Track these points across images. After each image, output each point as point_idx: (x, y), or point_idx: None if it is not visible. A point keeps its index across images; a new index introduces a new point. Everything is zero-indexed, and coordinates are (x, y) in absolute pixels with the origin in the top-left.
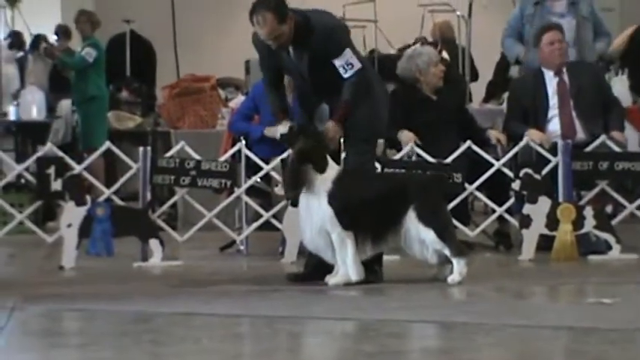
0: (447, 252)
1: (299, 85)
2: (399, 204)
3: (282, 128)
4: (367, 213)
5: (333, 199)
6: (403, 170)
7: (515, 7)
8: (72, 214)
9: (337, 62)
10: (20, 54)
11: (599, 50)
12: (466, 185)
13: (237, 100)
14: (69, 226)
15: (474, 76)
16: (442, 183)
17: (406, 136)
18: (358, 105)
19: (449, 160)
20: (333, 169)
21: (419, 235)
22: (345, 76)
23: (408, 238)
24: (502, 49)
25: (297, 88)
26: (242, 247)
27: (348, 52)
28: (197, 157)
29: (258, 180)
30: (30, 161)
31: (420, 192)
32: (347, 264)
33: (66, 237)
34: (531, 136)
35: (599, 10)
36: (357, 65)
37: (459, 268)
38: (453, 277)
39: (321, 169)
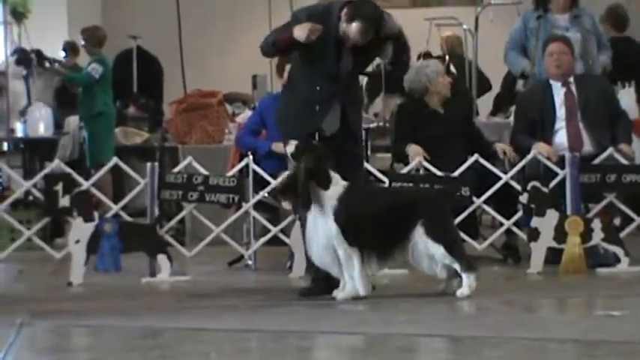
0: (456, 266)
1: (324, 88)
2: (407, 219)
3: (290, 148)
4: (373, 229)
5: (339, 216)
6: (411, 184)
7: (516, 21)
8: (80, 230)
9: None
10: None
11: (602, 63)
12: (474, 198)
13: (245, 115)
14: (77, 242)
15: (488, 86)
16: (449, 197)
17: (414, 150)
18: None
19: (456, 173)
20: (338, 185)
21: (428, 251)
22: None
23: (416, 253)
24: (505, 63)
25: (317, 92)
26: (250, 262)
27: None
28: (205, 172)
29: (266, 195)
30: (38, 178)
31: (427, 207)
32: (354, 279)
33: (74, 253)
34: (539, 149)
35: (598, 24)
36: None
37: (468, 282)
38: (462, 291)
39: (325, 185)
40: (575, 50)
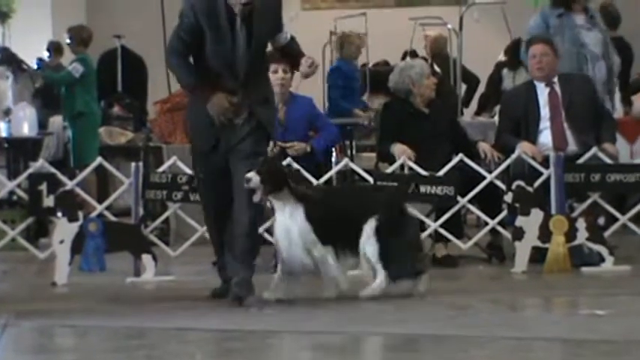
0: (378, 267)
1: (224, 88)
2: (364, 215)
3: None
4: (340, 226)
5: (311, 215)
6: (395, 183)
7: (534, 19)
8: (64, 230)
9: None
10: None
11: (616, 62)
12: (458, 198)
13: None
14: (61, 242)
15: (475, 82)
16: (403, 195)
17: (399, 149)
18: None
19: (441, 173)
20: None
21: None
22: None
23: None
24: (524, 60)
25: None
26: None
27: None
28: (189, 171)
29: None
30: (22, 177)
31: (382, 204)
32: (334, 276)
33: (58, 253)
34: (523, 149)
35: None
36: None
37: (378, 282)
38: (366, 291)
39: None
40: (589, 52)
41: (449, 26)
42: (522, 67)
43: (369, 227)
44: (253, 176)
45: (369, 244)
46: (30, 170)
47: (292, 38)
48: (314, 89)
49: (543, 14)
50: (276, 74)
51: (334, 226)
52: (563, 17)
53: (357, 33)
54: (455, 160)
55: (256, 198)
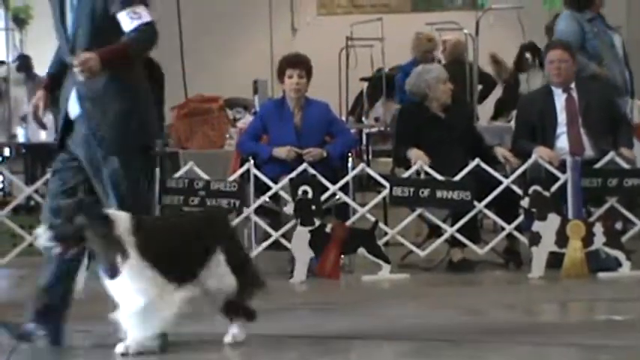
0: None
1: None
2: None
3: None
4: (178, 255)
5: (145, 250)
6: (411, 189)
7: (567, 24)
8: None
9: (123, 13)
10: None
11: None
12: (475, 203)
13: (246, 119)
14: None
15: (492, 84)
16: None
17: (415, 154)
18: (116, 95)
19: (457, 177)
20: (122, 218)
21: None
22: (130, 27)
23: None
24: None
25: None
26: None
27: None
28: (206, 177)
29: (267, 199)
30: (40, 183)
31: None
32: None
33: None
34: (540, 154)
35: None
36: (147, 18)
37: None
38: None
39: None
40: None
41: (465, 31)
42: (538, 70)
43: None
44: (43, 233)
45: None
46: (47, 176)
47: (148, 24)
48: (329, 94)
49: (576, 19)
50: (290, 79)
51: (170, 257)
52: (594, 21)
53: (428, 35)
54: (471, 164)
55: (56, 252)
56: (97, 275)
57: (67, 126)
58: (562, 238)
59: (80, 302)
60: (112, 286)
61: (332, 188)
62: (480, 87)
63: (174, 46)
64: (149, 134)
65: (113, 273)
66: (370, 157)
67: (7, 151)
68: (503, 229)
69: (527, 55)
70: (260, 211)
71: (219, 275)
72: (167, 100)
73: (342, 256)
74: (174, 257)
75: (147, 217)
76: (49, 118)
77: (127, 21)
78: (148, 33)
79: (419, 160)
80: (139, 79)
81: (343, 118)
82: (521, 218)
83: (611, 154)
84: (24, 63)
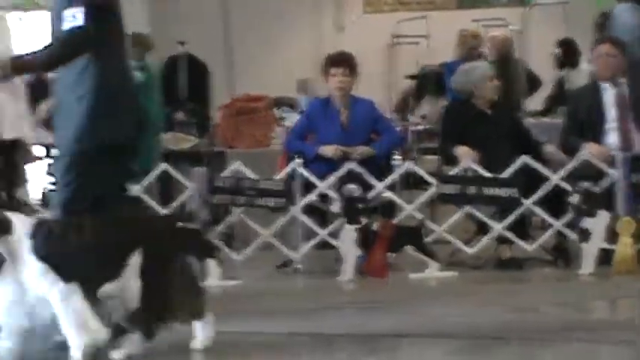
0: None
1: None
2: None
3: None
4: (90, 259)
5: (41, 250)
6: (459, 186)
7: (630, 15)
8: None
9: (67, 12)
10: None
11: None
12: (523, 200)
13: (292, 118)
14: None
15: (538, 84)
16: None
17: (462, 151)
18: (66, 90)
19: (505, 174)
20: (21, 221)
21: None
22: (65, 28)
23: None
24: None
25: None
26: (299, 266)
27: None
28: (253, 176)
29: (314, 198)
30: None
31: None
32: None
33: None
34: (589, 149)
35: None
36: (80, 21)
37: (131, 345)
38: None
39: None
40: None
41: (512, 27)
42: (580, 66)
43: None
44: None
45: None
46: None
47: (80, 28)
48: (375, 92)
49: (636, 10)
50: (334, 77)
51: (81, 260)
52: None
53: (473, 32)
54: (519, 161)
55: None
56: None
57: None
58: (612, 235)
59: None
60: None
61: (378, 186)
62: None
63: (221, 46)
64: (109, 134)
65: None
66: (417, 154)
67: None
68: (551, 225)
69: (557, 50)
70: (307, 209)
71: (124, 281)
72: (214, 99)
73: (389, 254)
74: (76, 261)
75: (56, 221)
76: None
77: (66, 22)
78: (74, 37)
79: (466, 157)
80: (107, 77)
81: (389, 116)
82: (570, 215)
83: None
84: None
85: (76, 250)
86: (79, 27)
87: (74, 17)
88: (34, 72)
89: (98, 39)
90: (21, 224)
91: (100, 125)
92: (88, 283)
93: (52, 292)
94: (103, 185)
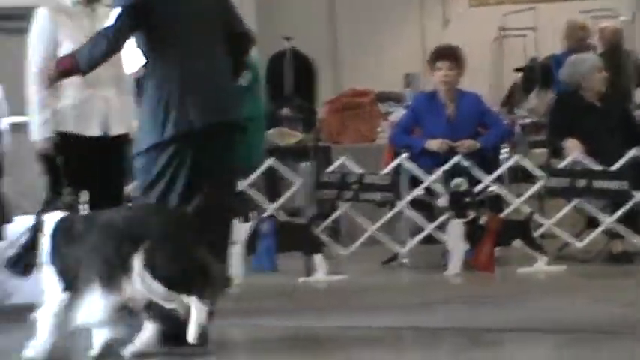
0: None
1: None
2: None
3: None
4: (93, 262)
5: (54, 254)
6: (567, 179)
7: None
8: (238, 230)
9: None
10: None
11: None
12: (634, 193)
13: (398, 113)
14: (235, 242)
15: None
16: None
17: (571, 144)
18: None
19: (614, 167)
20: (50, 222)
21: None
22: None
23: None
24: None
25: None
26: (405, 261)
27: None
28: (359, 171)
29: (421, 192)
30: None
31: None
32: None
33: (232, 253)
34: None
35: None
36: (111, 22)
37: (145, 334)
38: (127, 349)
39: None
40: None
41: (622, 18)
42: None
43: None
44: None
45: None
46: None
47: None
48: (481, 85)
49: None
50: (440, 71)
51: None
52: None
53: (581, 23)
54: (629, 153)
55: None
56: (255, 269)
57: None
58: None
59: (239, 296)
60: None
61: (486, 180)
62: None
63: (326, 41)
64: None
65: (19, 272)
66: (525, 147)
67: None
68: None
69: None
70: (413, 204)
71: (136, 280)
72: (319, 94)
73: (497, 248)
74: (86, 261)
75: (76, 217)
76: None
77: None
78: (95, 38)
79: (574, 150)
80: (161, 72)
81: (496, 109)
82: None
83: None
84: None
85: (83, 251)
86: (105, 28)
87: (112, 18)
88: (74, 74)
89: (136, 36)
90: (49, 223)
91: (160, 119)
92: (96, 283)
93: (52, 290)
94: (176, 176)
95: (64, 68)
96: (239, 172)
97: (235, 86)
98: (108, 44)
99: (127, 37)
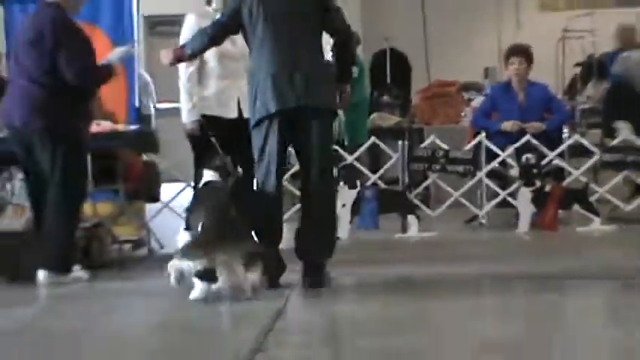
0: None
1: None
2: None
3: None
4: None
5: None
6: (618, 155)
7: None
8: (345, 195)
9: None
10: None
11: None
12: None
13: (478, 100)
14: (343, 205)
15: None
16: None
17: (622, 125)
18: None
19: None
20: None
21: None
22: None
23: None
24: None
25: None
26: (483, 221)
27: None
28: (445, 147)
29: (496, 165)
30: None
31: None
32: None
33: (341, 214)
34: None
35: None
36: None
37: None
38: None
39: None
40: None
41: None
42: None
43: None
44: None
45: None
46: None
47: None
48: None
49: None
50: (512, 65)
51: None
52: None
53: (629, 25)
54: None
55: None
56: (360, 227)
57: None
58: None
59: (347, 249)
60: None
61: (550, 155)
62: None
63: (419, 40)
64: (256, 112)
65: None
66: (583, 128)
67: None
68: None
69: None
70: (490, 174)
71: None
72: (413, 84)
73: (560, 211)
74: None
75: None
76: None
77: None
78: (201, 34)
79: (624, 131)
80: (253, 64)
81: (560, 97)
82: None
83: None
84: None
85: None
86: (208, 26)
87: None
88: (184, 60)
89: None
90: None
91: (253, 104)
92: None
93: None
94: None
95: (177, 55)
96: (331, 147)
97: (327, 76)
98: (207, 39)
99: (222, 34)
